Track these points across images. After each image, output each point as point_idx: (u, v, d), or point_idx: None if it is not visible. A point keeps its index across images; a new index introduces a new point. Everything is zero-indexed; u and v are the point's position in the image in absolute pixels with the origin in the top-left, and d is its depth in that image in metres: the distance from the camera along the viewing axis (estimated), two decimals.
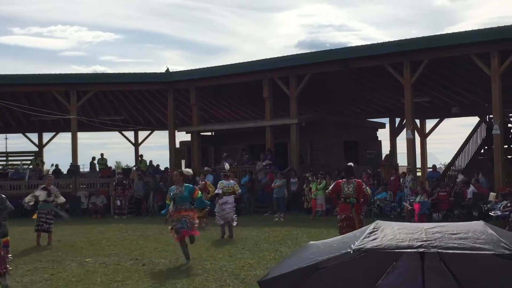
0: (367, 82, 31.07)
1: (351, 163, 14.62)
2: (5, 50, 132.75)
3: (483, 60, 23.55)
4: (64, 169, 34.05)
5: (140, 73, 33.16)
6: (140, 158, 36.91)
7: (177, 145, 34.18)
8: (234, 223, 18.69)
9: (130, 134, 40.29)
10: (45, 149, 40.54)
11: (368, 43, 26.93)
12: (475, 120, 34.12)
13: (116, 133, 40.06)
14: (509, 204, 19.62)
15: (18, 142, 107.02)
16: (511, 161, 28.34)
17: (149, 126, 38.76)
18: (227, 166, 21.08)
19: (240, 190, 19.51)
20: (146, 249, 16.28)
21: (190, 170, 15.85)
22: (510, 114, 32.44)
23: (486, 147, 31.78)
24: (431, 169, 31.88)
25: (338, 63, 26.75)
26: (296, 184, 27.28)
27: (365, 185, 14.65)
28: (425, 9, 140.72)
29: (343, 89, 32.12)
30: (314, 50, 31.22)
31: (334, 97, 33.44)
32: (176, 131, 33.67)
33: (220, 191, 19.00)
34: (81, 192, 30.61)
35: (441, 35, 24.85)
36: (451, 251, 3.66)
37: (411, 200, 23.61)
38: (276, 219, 23.92)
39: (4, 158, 41.05)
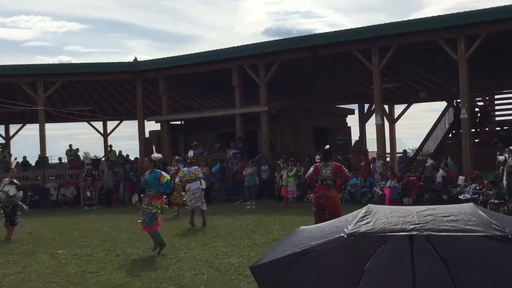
0: (335, 68, 31.16)
1: (328, 146, 14.76)
2: None
3: (450, 45, 23.76)
4: (32, 161, 33.74)
5: (107, 63, 32.89)
6: (109, 149, 36.67)
7: (147, 135, 34.01)
8: (204, 207, 18.55)
9: (98, 125, 40.01)
10: (12, 141, 40.12)
11: (335, 29, 27.04)
12: (442, 105, 34.47)
13: (85, 124, 39.75)
14: (478, 187, 19.87)
15: None
16: (478, 145, 28.66)
17: (118, 116, 38.45)
18: (190, 153, 20.98)
19: (201, 174, 19.23)
20: (119, 239, 16.19)
21: (159, 155, 15.67)
22: (477, 99, 32.83)
23: (453, 132, 32.11)
24: (401, 154, 32.18)
25: (307, 50, 26.79)
26: (267, 172, 27.32)
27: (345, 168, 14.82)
28: None
29: (312, 76, 32.18)
30: (282, 38, 31.23)
31: (303, 84, 33.50)
32: (145, 120, 33.48)
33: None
34: (50, 184, 30.35)
35: (408, 20, 25.07)
36: (443, 234, 3.69)
37: (382, 185, 23.82)
38: (248, 207, 23.95)
39: None
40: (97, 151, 36.27)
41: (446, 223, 3.70)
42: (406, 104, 35.92)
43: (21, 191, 18.44)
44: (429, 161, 25.38)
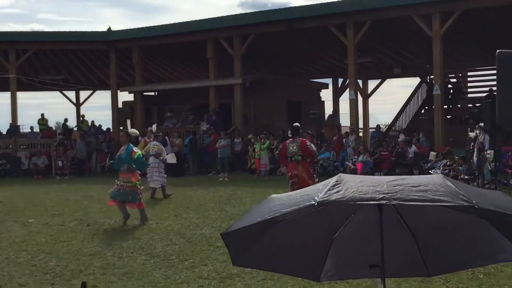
0: (310, 42, 31.13)
1: (297, 124, 14.91)
2: None
3: (424, 21, 23.86)
4: (3, 129, 33.41)
5: (81, 31, 32.53)
6: (81, 118, 36.41)
7: (120, 106, 33.78)
8: (152, 185, 18.17)
9: (71, 94, 39.63)
10: None
11: (311, 3, 26.99)
12: (416, 81, 34.68)
13: (57, 93, 39.36)
14: (448, 163, 20.10)
15: None
16: (450, 121, 28.93)
17: (91, 86, 38.13)
18: (153, 127, 20.50)
19: (154, 151, 18.73)
20: (90, 209, 16.13)
21: (136, 131, 15.54)
22: (450, 75, 33.05)
23: (426, 108, 32.35)
24: (374, 129, 32.37)
25: (283, 23, 26.73)
26: (240, 144, 27.36)
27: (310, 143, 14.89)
28: None
29: (287, 49, 32.14)
30: (257, 10, 31.09)
31: (278, 57, 33.45)
32: (118, 91, 33.24)
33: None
34: (21, 153, 30.11)
35: None
36: (412, 203, 3.75)
37: (354, 159, 23.99)
38: (221, 179, 23.98)
39: None
40: (69, 121, 35.80)
41: (415, 193, 3.75)
42: (380, 80, 36.09)
43: None
44: (401, 137, 25.62)
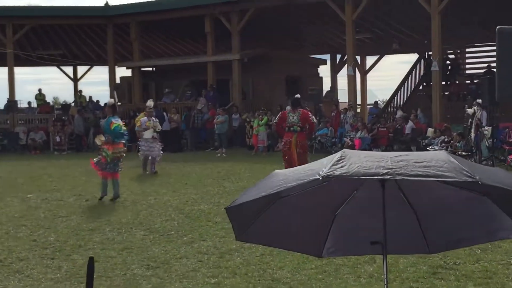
0: (309, 18, 31.00)
1: (298, 95, 15.02)
2: None
3: None
4: (0, 104, 33.39)
5: (78, 6, 32.47)
6: (79, 94, 36.35)
7: (118, 81, 33.70)
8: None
9: (68, 70, 39.52)
10: None
11: None
12: (414, 57, 34.59)
13: (54, 69, 39.23)
14: (446, 139, 20.14)
15: None
16: (448, 98, 28.92)
17: (89, 61, 37.96)
18: (149, 102, 20.32)
19: (141, 127, 18.84)
20: (89, 184, 16.12)
21: (111, 100, 15.41)
22: (448, 52, 32.97)
23: (424, 84, 32.30)
24: (372, 105, 32.36)
25: None
26: (238, 120, 27.34)
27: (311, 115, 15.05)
28: None
29: (286, 25, 31.98)
30: None
31: (277, 33, 33.29)
32: (116, 66, 33.15)
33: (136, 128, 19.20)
34: (19, 128, 30.09)
35: None
36: (416, 178, 3.76)
37: (352, 136, 24.00)
38: (219, 155, 24.02)
39: None
40: (67, 97, 35.82)
41: (418, 168, 3.76)
42: (378, 56, 36.00)
43: None
44: (399, 113, 25.63)
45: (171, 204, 12.94)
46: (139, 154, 18.54)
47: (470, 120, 18.25)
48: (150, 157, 18.18)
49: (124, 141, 14.09)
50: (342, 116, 26.13)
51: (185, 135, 27.68)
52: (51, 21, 32.01)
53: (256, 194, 4.18)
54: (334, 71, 35.79)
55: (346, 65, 27.66)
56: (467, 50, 34.48)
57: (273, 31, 32.75)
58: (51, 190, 15.63)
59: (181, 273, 7.94)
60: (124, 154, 13.99)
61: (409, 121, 23.76)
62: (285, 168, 13.10)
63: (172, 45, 35.91)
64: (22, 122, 31.25)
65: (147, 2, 30.79)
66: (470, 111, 18.42)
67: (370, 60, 36.72)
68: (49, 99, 39.86)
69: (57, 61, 35.92)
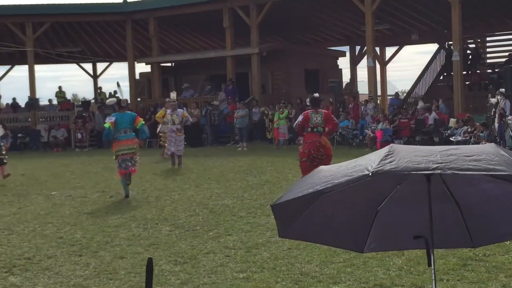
0: (328, 10, 30.86)
1: (317, 94, 14.74)
2: None
3: None
4: (22, 102, 33.56)
5: (97, 3, 32.42)
6: (99, 91, 36.49)
7: (137, 77, 33.79)
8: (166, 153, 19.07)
9: (88, 66, 39.68)
10: (1, 83, 39.80)
11: None
12: (434, 47, 34.31)
13: (73, 66, 39.41)
14: (469, 130, 19.98)
15: None
16: (469, 87, 28.69)
17: (108, 57, 38.12)
18: (172, 95, 20.38)
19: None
20: (112, 181, 16.11)
21: (111, 99, 15.69)
22: (469, 41, 32.70)
23: (445, 74, 32.06)
24: (393, 97, 32.19)
25: None
26: (258, 114, 27.31)
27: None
28: None
29: (304, 17, 31.88)
30: None
31: (295, 26, 33.19)
32: (135, 62, 33.22)
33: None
34: (40, 126, 30.26)
35: None
36: (467, 172, 3.69)
37: (373, 127, 23.88)
38: (239, 148, 24.01)
39: None
40: (87, 93, 35.99)
41: (469, 162, 3.69)
42: (398, 47, 35.78)
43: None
44: (420, 103, 25.45)
45: (195, 199, 12.95)
46: (165, 150, 18.91)
47: (493, 109, 18.09)
48: (175, 155, 18.49)
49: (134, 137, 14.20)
50: (362, 107, 26.02)
51: (205, 130, 27.69)
52: (69, 18, 32.14)
53: (302, 190, 4.13)
54: (353, 62, 35.63)
55: (365, 57, 27.50)
56: (488, 39, 34.15)
57: (291, 24, 32.66)
58: (75, 187, 15.72)
59: (209, 268, 7.94)
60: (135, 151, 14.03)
61: (432, 111, 23.59)
62: (303, 171, 12.86)
63: (191, 40, 35.98)
64: (43, 119, 31.41)
65: None
66: (493, 100, 18.27)
67: (389, 51, 36.52)
68: (68, 96, 40.13)
69: (76, 58, 36.10)
